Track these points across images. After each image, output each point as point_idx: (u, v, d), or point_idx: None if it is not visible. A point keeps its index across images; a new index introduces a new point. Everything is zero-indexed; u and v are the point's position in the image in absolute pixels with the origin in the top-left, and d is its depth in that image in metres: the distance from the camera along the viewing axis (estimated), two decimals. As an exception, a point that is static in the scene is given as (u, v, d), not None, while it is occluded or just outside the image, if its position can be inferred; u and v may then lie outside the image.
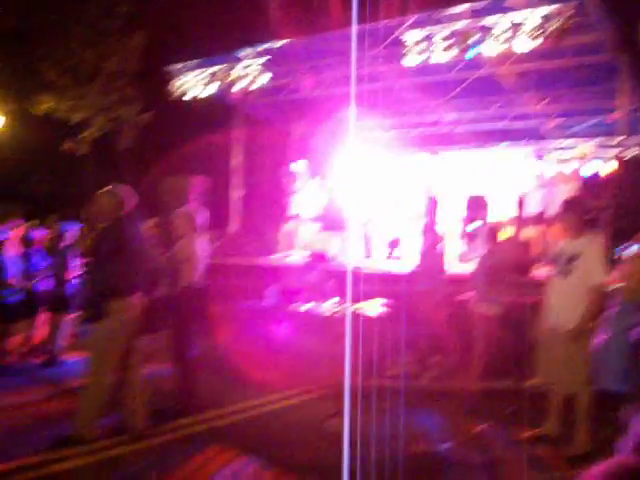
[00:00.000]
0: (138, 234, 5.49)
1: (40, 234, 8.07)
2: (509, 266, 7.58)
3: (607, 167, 13.05)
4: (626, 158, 10.85)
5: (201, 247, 6.28)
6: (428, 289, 7.44)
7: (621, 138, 10.55)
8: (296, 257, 12.79)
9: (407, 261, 11.65)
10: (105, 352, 5.15)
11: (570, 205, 5.37)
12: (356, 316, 7.22)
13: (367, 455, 4.84)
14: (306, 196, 13.18)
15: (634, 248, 3.99)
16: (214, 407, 6.34)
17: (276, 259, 12.86)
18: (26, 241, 7.79)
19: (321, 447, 5.40)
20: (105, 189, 5.40)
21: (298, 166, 13.30)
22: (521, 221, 10.70)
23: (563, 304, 5.10)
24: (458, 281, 9.11)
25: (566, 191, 10.29)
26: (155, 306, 5.73)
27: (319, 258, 11.00)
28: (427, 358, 7.56)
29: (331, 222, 13.09)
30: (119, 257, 5.05)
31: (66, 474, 4.68)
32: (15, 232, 7.81)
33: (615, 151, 13.12)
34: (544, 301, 5.49)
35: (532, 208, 11.20)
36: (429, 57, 9.70)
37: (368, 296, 7.65)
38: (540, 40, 8.63)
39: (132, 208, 5.43)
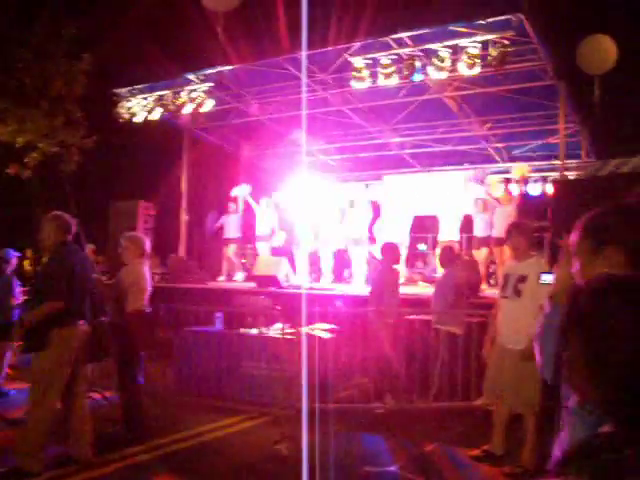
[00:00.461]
0: (82, 259, 5.41)
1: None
2: (466, 286, 7.74)
3: (547, 188, 13.47)
4: (565, 180, 11.16)
5: (147, 272, 6.22)
6: (380, 310, 7.51)
7: (560, 162, 10.88)
8: (242, 280, 12.78)
9: (357, 283, 11.77)
10: (49, 381, 5.03)
11: (516, 228, 5.51)
12: (309, 338, 7.24)
13: (318, 478, 4.86)
14: (255, 218, 13.19)
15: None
16: (163, 434, 6.25)
17: (223, 283, 12.81)
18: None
19: (271, 472, 5.38)
20: (49, 215, 5.32)
21: (243, 189, 13.31)
22: (468, 242, 10.92)
23: (513, 325, 5.21)
24: (408, 302, 9.24)
25: (508, 213, 10.54)
26: (100, 332, 5.63)
27: (267, 281, 11.00)
28: (379, 380, 7.60)
29: (279, 244, 13.14)
30: (63, 283, 4.97)
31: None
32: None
33: (555, 173, 13.58)
34: (493, 321, 5.61)
35: (477, 229, 11.43)
36: (375, 81, 9.87)
37: (319, 318, 7.68)
38: (480, 67, 8.89)
39: (75, 234, 5.36)
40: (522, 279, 5.19)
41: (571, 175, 12.12)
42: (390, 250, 7.98)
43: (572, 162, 12.24)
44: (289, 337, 7.34)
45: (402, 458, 5.78)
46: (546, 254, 8.48)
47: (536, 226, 5.42)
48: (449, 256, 7.93)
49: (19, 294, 7.93)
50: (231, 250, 13.21)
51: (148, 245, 6.30)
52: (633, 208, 1.84)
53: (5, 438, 5.94)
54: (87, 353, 5.35)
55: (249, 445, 6.13)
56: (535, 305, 5.03)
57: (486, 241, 11.06)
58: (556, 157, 13.22)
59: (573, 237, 1.95)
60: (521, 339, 4.97)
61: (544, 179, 13.91)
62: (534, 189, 13.87)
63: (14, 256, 8.08)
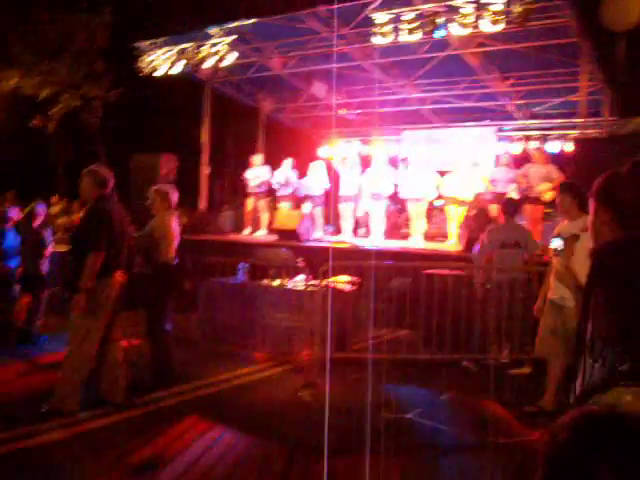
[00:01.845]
0: (119, 213, 5.61)
1: (15, 212, 8.08)
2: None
3: (566, 146, 13.46)
4: (586, 138, 11.18)
5: (175, 224, 6.42)
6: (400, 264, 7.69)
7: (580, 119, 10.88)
8: (264, 234, 12.97)
9: (375, 237, 11.93)
10: (88, 328, 5.29)
11: (564, 188, 5.60)
12: (330, 290, 7.45)
13: (343, 423, 5.12)
14: (276, 174, 13.27)
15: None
16: (189, 380, 6.53)
17: (246, 236, 13.02)
18: (1, 219, 7.79)
19: (295, 417, 5.64)
20: (87, 169, 5.50)
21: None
22: (492, 199, 10.95)
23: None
24: (425, 256, 9.41)
25: (543, 171, 10.56)
26: (132, 283, 5.87)
27: (288, 235, 11.20)
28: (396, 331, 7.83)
29: (300, 200, 13.26)
30: (103, 236, 5.18)
31: (47, 447, 4.76)
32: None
33: (574, 132, 13.56)
34: (547, 280, 5.79)
35: (501, 186, 11.47)
36: (397, 37, 9.85)
37: (339, 271, 7.87)
38: (503, 24, 8.86)
39: (112, 187, 5.55)
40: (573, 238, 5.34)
41: (592, 133, 12.10)
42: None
43: (593, 120, 12.19)
44: (310, 289, 7.53)
45: (419, 405, 6.01)
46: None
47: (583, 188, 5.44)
48: (484, 216, 8.05)
49: (50, 245, 8.16)
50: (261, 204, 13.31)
51: (176, 197, 6.46)
52: (622, 173, 1.98)
53: (42, 381, 6.25)
54: (122, 301, 5.61)
55: (272, 392, 6.39)
56: (586, 263, 5.17)
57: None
58: (576, 115, 13.19)
59: None
60: (571, 297, 5.14)
61: (564, 137, 13.90)
62: (553, 147, 13.86)
63: (43, 209, 8.27)
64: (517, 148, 14.04)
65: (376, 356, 7.15)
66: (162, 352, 6.36)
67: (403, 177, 12.39)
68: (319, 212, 12.88)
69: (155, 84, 13.59)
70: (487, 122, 14.98)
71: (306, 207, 12.78)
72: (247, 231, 13.39)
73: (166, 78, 12.87)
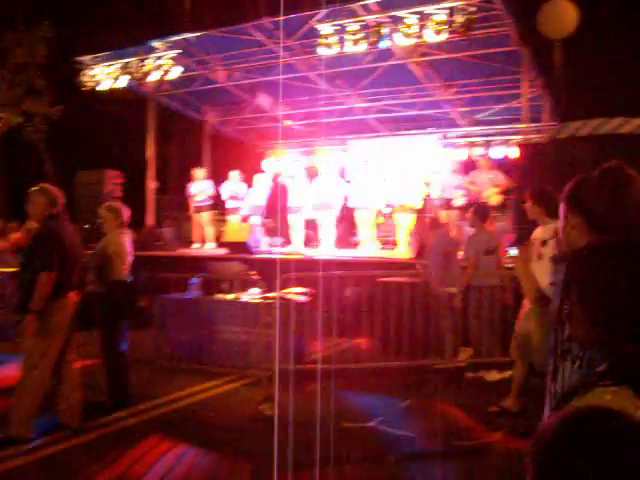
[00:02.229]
0: (70, 231, 5.49)
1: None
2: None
3: (510, 152, 13.80)
4: (528, 143, 11.46)
5: (128, 241, 6.32)
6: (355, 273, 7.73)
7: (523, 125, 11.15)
8: (213, 247, 12.89)
9: (326, 247, 11.97)
10: (43, 350, 5.15)
11: (532, 195, 5.72)
12: (284, 302, 7.44)
13: (305, 435, 5.09)
14: (224, 187, 13.23)
15: None
16: (148, 399, 6.42)
17: (196, 250, 12.90)
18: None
19: (257, 431, 5.59)
20: (37, 187, 5.37)
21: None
22: (442, 206, 11.17)
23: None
24: (378, 264, 9.49)
25: (490, 176, 10.85)
26: (86, 302, 5.75)
27: (238, 247, 11.13)
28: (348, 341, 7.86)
29: (249, 212, 13.22)
30: (55, 255, 5.06)
31: (4, 476, 4.63)
32: None
33: (517, 137, 13.91)
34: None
35: (444, 193, 11.69)
36: (343, 48, 9.93)
37: (293, 283, 7.85)
38: (446, 34, 9.03)
39: (62, 205, 5.43)
40: (544, 243, 5.46)
41: (534, 138, 12.44)
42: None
43: (534, 126, 12.51)
44: (264, 301, 7.50)
45: (380, 414, 6.04)
46: (511, 216, 8.81)
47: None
48: (435, 223, 8.22)
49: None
50: (205, 218, 13.26)
51: (127, 214, 6.36)
52: (592, 179, 2.05)
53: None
54: (76, 322, 5.48)
55: (232, 407, 6.34)
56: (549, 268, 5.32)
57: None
58: (518, 121, 13.52)
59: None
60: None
61: (507, 142, 14.24)
62: (497, 152, 14.19)
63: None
64: (462, 155, 14.30)
65: (334, 366, 7.16)
66: (118, 372, 6.23)
67: (351, 186, 12.49)
68: (265, 224, 12.92)
69: (99, 99, 13.37)
70: (432, 130, 15.22)
71: (255, 219, 12.76)
72: (196, 245, 13.29)
73: (110, 92, 12.68)
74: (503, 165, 12.61)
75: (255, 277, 8.31)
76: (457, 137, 15.25)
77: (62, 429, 5.43)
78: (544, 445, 1.08)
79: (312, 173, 13.57)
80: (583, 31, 10.48)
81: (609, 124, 14.81)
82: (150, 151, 14.01)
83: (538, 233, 5.62)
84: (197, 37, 11.41)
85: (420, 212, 11.34)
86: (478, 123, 14.81)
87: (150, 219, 14.05)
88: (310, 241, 13.00)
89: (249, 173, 13.49)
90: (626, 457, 1.02)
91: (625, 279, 1.41)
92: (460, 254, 7.97)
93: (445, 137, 15.12)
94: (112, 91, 12.62)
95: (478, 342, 7.47)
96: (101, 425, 5.67)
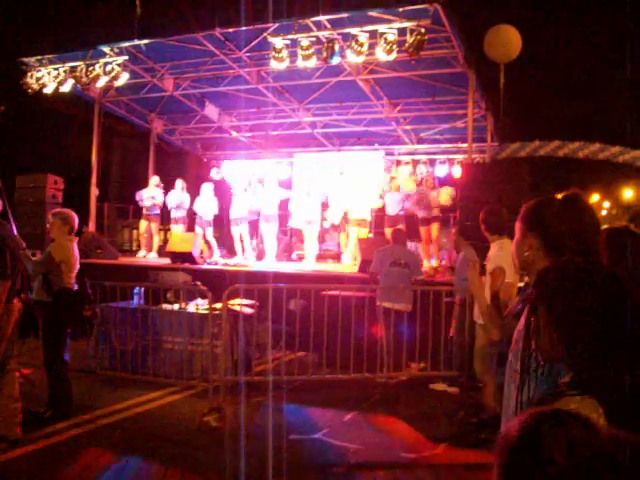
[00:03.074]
0: (13, 237, 5.36)
1: None
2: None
3: (453, 170, 14.15)
4: (471, 162, 11.75)
5: (76, 249, 6.19)
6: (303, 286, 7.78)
7: (467, 145, 11.43)
8: (155, 257, 12.77)
9: (269, 259, 11.99)
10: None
11: (480, 216, 5.86)
12: (231, 314, 7.42)
13: (252, 446, 5.10)
14: (170, 196, 13.15)
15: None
16: (90, 410, 6.30)
17: (139, 259, 12.75)
18: None
19: (204, 442, 5.56)
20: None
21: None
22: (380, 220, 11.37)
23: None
24: (323, 278, 9.56)
25: (434, 194, 11.15)
26: (28, 310, 5.62)
27: (182, 257, 11.05)
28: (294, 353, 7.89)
29: (194, 222, 13.15)
30: (8, 262, 4.93)
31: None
32: None
33: (460, 156, 14.28)
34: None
35: (391, 209, 11.90)
36: (294, 62, 10.01)
37: (238, 294, 7.84)
38: (396, 53, 9.21)
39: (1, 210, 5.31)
40: (488, 259, 5.62)
41: (477, 158, 12.80)
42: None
43: (476, 146, 12.85)
44: (209, 312, 7.46)
45: (326, 425, 6.09)
46: (453, 233, 9.00)
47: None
48: (399, 237, 8.44)
49: None
50: (153, 226, 13.20)
51: (76, 221, 6.24)
52: (553, 203, 2.16)
53: None
54: (17, 330, 5.35)
55: (177, 418, 6.27)
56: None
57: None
58: (462, 140, 13.89)
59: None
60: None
61: (450, 161, 14.60)
62: (441, 171, 14.53)
63: None
64: (406, 171, 14.58)
65: (280, 378, 7.18)
66: (60, 382, 6.07)
67: (295, 200, 12.56)
68: (211, 234, 12.87)
69: (43, 102, 13.08)
70: (377, 146, 15.48)
71: (199, 229, 12.69)
72: (142, 253, 13.15)
73: (55, 96, 12.42)
74: (448, 182, 12.93)
75: (201, 287, 8.24)
76: (402, 154, 15.56)
77: (1, 440, 5.27)
78: (508, 446, 1.13)
79: (256, 184, 13.60)
80: (526, 56, 10.84)
81: (547, 146, 15.38)
82: (94, 157, 13.76)
83: (491, 252, 5.77)
84: (147, 44, 11.29)
85: (369, 226, 11.54)
86: (422, 141, 15.13)
87: (91, 226, 13.79)
88: (257, 253, 13.00)
89: (193, 182, 13.45)
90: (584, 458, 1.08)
91: (588, 298, 1.52)
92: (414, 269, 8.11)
93: (390, 154, 15.42)
94: (57, 94, 12.35)
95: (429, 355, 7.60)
96: (42, 437, 5.53)
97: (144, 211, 13.12)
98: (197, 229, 12.70)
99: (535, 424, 1.11)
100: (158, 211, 13.20)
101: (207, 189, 12.91)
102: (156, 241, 13.34)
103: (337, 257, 13.18)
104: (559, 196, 2.14)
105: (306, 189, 12.84)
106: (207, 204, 12.76)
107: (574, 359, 1.56)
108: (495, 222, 5.63)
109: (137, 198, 13.22)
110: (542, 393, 1.64)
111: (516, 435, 1.11)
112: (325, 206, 13.23)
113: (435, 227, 11.31)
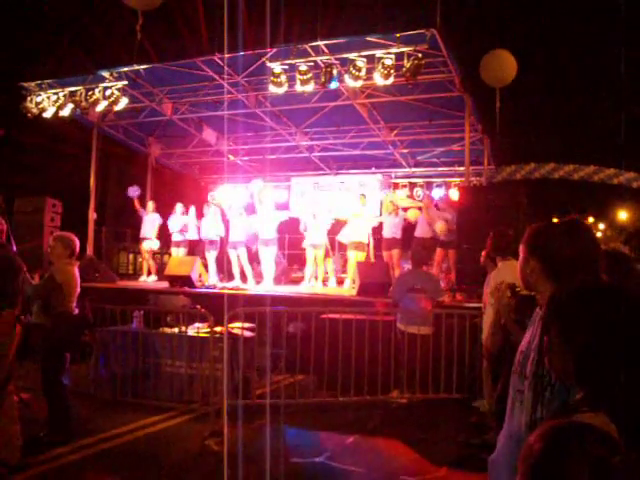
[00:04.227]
0: (15, 260, 5.36)
1: None
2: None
3: (450, 193, 14.20)
4: (469, 185, 11.83)
5: (77, 273, 6.19)
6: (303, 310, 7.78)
7: (464, 168, 11.54)
8: (154, 280, 12.77)
9: (268, 283, 11.98)
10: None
11: (496, 234, 5.89)
12: (229, 337, 7.40)
13: (254, 470, 5.07)
14: (172, 220, 13.21)
15: None
16: (90, 434, 6.26)
17: (139, 282, 12.75)
18: None
19: (206, 467, 5.53)
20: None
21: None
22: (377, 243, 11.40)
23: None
24: (325, 301, 9.55)
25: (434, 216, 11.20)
26: (28, 333, 5.60)
27: (181, 281, 11.05)
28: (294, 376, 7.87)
29: (194, 245, 13.19)
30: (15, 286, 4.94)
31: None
32: None
33: (456, 179, 14.37)
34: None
35: (387, 231, 11.94)
36: (293, 87, 10.11)
37: (238, 318, 7.83)
38: (394, 77, 9.32)
39: (6, 233, 5.31)
40: (490, 279, 5.65)
41: (473, 181, 12.89)
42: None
43: (473, 169, 12.93)
44: (209, 335, 7.45)
45: (327, 449, 6.06)
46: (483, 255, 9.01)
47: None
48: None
49: None
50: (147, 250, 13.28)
51: (78, 245, 6.25)
52: (556, 229, 2.22)
53: None
54: (17, 352, 5.33)
55: (178, 442, 6.22)
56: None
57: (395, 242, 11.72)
58: (458, 163, 13.99)
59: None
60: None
61: (447, 184, 14.68)
62: (437, 193, 14.59)
63: None
64: (403, 194, 14.64)
65: (281, 401, 7.16)
66: (60, 406, 6.04)
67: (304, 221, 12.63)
68: (213, 258, 12.85)
69: (41, 125, 13.13)
70: (374, 170, 15.57)
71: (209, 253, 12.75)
72: (144, 278, 13.19)
73: (54, 120, 12.49)
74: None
75: (201, 311, 8.23)
76: (399, 177, 15.64)
77: (1, 465, 5.22)
78: (533, 454, 1.15)
79: (253, 208, 13.61)
80: (521, 81, 10.96)
81: (543, 169, 15.49)
82: (92, 181, 13.80)
83: (494, 274, 5.78)
84: (146, 69, 11.38)
85: (367, 249, 11.57)
86: (419, 164, 15.22)
87: (89, 250, 13.79)
88: (255, 276, 12.98)
89: (190, 206, 13.52)
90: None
91: (599, 320, 1.55)
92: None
93: (390, 177, 15.50)
94: (57, 119, 12.42)
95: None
96: (42, 462, 5.47)
97: (144, 235, 13.21)
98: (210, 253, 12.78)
99: (558, 439, 1.13)
100: (157, 234, 13.28)
101: (211, 212, 12.95)
102: (152, 264, 13.46)
103: (340, 281, 13.07)
104: (560, 221, 2.20)
105: (312, 211, 12.77)
106: (211, 226, 12.79)
107: (585, 379, 1.58)
108: (505, 245, 5.68)
109: (143, 222, 13.34)
110: (554, 410, 1.66)
111: (539, 452, 1.13)
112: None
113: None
